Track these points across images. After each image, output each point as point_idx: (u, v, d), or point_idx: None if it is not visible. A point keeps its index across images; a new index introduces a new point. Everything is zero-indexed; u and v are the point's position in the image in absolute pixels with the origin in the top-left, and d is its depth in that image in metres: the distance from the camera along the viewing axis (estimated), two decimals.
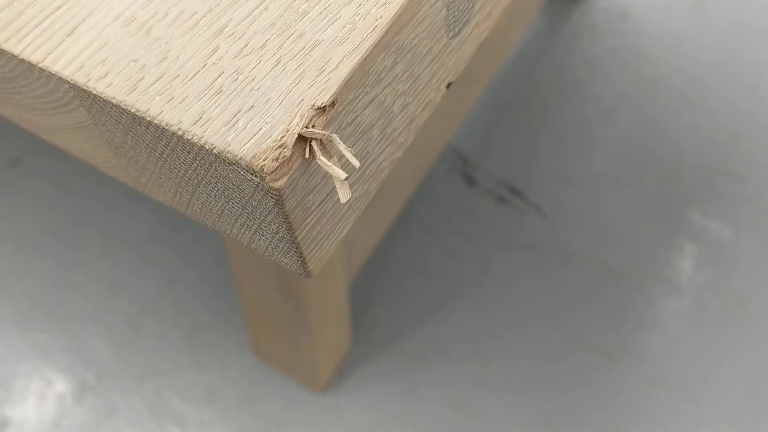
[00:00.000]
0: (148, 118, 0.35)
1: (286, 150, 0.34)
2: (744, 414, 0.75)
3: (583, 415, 0.75)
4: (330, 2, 0.38)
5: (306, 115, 0.35)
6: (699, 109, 0.92)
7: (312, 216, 0.38)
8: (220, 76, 0.36)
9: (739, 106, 0.92)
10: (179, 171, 0.38)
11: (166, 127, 0.35)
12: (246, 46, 0.37)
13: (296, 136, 0.34)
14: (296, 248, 0.38)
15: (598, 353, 0.78)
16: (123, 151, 0.40)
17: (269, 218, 0.37)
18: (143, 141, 0.38)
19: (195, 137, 0.35)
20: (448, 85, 0.45)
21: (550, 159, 0.89)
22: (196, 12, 0.38)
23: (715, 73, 0.95)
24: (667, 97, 0.93)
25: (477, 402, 0.76)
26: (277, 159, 0.34)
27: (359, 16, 0.37)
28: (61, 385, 0.78)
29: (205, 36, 0.37)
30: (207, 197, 0.39)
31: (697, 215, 0.86)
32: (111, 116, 0.37)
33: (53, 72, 0.37)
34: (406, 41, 0.39)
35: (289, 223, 0.36)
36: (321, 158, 0.34)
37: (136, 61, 0.37)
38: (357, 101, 0.37)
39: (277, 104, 0.35)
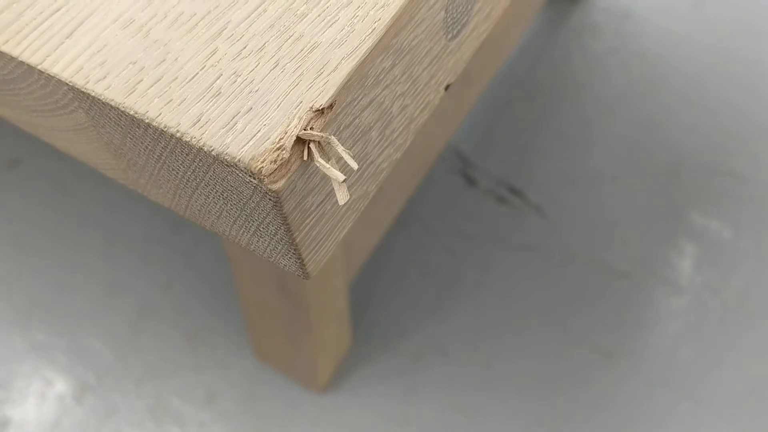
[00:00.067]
0: (146, 120, 0.35)
1: (284, 152, 0.34)
2: (744, 414, 0.75)
3: (583, 415, 0.75)
4: (328, 4, 0.38)
5: (304, 117, 0.35)
6: (699, 109, 0.92)
7: (310, 217, 0.38)
8: (218, 78, 0.36)
9: (739, 106, 0.92)
10: (178, 173, 0.38)
11: (165, 129, 0.35)
12: (244, 48, 0.37)
13: (294, 138, 0.34)
14: (295, 250, 0.38)
15: (598, 353, 0.78)
16: (122, 152, 0.40)
17: (268, 220, 0.37)
18: (142, 143, 0.38)
19: (193, 139, 0.35)
20: (447, 87, 0.45)
21: (550, 159, 0.89)
22: (195, 14, 0.38)
23: (715, 73, 0.95)
24: (667, 97, 0.93)
25: (477, 402, 0.76)
26: (275, 161, 0.34)
27: (358, 18, 0.37)
28: (61, 385, 0.78)
29: (203, 38, 0.37)
30: (205, 199, 0.39)
31: (697, 215, 0.86)
32: (110, 118, 0.37)
33: (52, 74, 0.37)
34: (405, 43, 0.39)
35: (287, 224, 0.36)
36: (319, 160, 0.34)
37: (134, 63, 0.37)
38: (355, 103, 0.37)
39: (276, 106, 0.35)
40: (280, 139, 0.34)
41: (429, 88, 0.44)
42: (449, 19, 0.42)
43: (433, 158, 0.77)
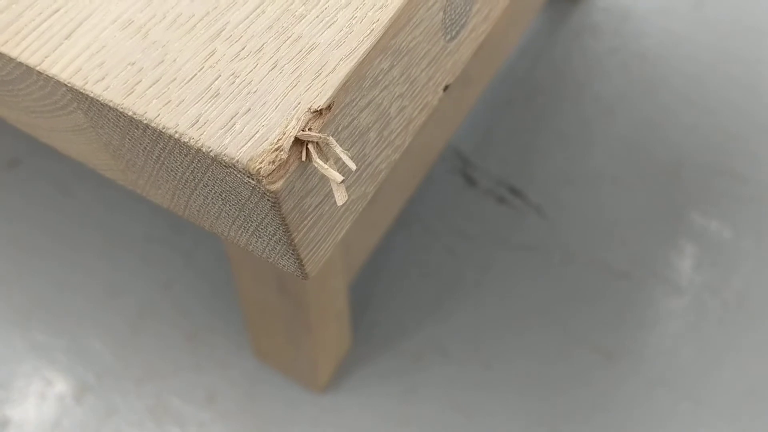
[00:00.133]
0: (145, 121, 0.35)
1: (282, 153, 0.34)
2: (744, 414, 0.75)
3: (583, 415, 0.76)
4: (327, 5, 0.38)
5: (302, 118, 0.35)
6: (699, 109, 0.92)
7: (309, 218, 0.38)
8: (217, 79, 0.36)
9: (739, 106, 0.92)
10: (176, 173, 0.38)
11: (163, 130, 0.35)
12: (243, 49, 0.37)
13: (293, 139, 0.34)
14: (293, 250, 0.38)
15: (598, 353, 0.78)
16: (120, 153, 0.40)
17: (266, 221, 0.37)
18: (140, 143, 0.38)
19: (192, 140, 0.35)
20: (446, 88, 0.45)
21: (550, 159, 0.89)
22: (194, 15, 0.38)
23: (715, 73, 0.95)
24: (667, 97, 0.93)
25: (477, 402, 0.76)
26: (273, 162, 0.34)
27: (356, 19, 0.37)
28: (61, 385, 0.78)
29: (202, 39, 0.37)
30: (204, 200, 0.39)
31: (697, 215, 0.86)
32: (108, 119, 0.37)
33: (51, 75, 0.37)
34: (403, 44, 0.39)
35: (286, 225, 0.36)
36: (317, 161, 0.34)
37: (133, 64, 0.37)
38: (354, 104, 0.37)
39: (274, 107, 0.35)
40: (279, 139, 0.34)
41: (427, 89, 0.44)
42: (448, 21, 0.42)
43: (433, 159, 0.77)
